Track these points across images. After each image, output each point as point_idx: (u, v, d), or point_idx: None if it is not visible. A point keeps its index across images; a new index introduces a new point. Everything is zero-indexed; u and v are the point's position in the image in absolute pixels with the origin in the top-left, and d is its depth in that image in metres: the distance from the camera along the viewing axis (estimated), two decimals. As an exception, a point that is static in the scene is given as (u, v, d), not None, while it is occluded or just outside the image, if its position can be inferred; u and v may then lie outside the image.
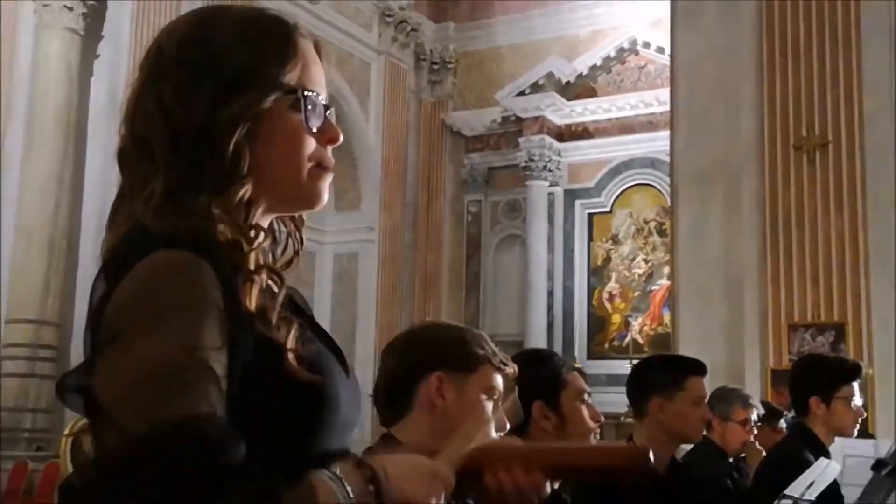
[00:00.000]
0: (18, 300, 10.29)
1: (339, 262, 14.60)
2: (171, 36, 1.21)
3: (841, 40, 7.65)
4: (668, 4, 9.01)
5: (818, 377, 3.52)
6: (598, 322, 15.13)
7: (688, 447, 4.50)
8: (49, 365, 10.09)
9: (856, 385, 3.49)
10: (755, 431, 4.55)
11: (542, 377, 2.51)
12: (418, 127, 15.66)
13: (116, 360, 1.01)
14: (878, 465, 1.00)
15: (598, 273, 15.24)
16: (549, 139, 15.19)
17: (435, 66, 15.90)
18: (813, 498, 2.57)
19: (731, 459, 4.43)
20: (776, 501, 2.47)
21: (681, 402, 2.85)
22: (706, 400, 3.18)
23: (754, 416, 4.54)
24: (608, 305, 15.12)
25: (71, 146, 10.59)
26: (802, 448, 3.24)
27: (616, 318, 15.05)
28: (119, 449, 0.98)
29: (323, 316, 14.01)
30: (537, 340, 14.31)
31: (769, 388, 7.27)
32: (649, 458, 1.30)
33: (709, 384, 4.87)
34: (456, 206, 16.08)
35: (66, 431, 8.19)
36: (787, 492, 2.48)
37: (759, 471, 3.71)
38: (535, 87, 15.15)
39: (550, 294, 15.18)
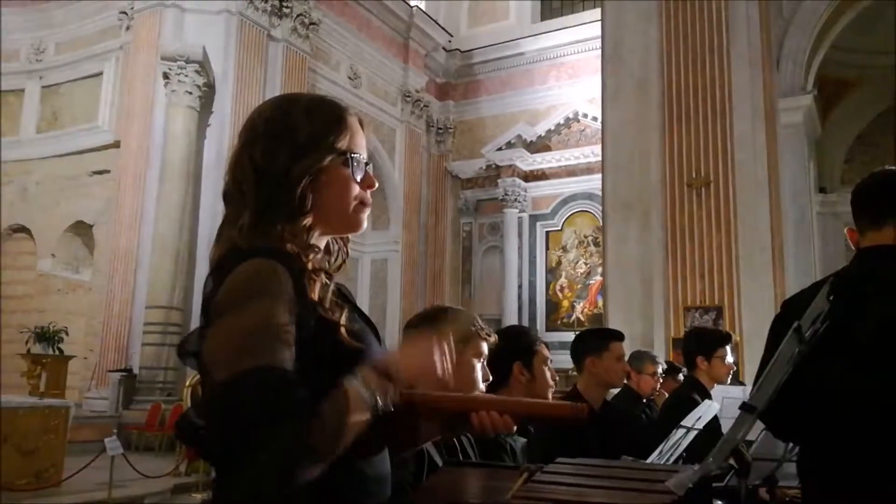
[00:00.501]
0: (155, 292, 10.30)
1: (375, 265, 14.57)
2: (260, 115, 1.23)
3: (718, 109, 7.63)
4: (599, 86, 9.01)
5: (701, 342, 3.47)
6: (552, 306, 15.07)
7: (615, 392, 4.52)
8: (176, 337, 10.06)
9: (728, 348, 3.42)
10: (661, 381, 4.54)
11: (522, 346, 2.47)
12: (429, 173, 15.64)
13: (218, 330, 1.03)
14: (744, 406, 0.99)
15: (552, 272, 15.19)
16: (518, 180, 15.15)
17: (440, 131, 15.89)
18: (700, 427, 2.54)
19: (644, 401, 4.42)
20: (674, 430, 2.43)
21: (607, 359, 2.79)
22: (626, 359, 3.13)
23: (660, 370, 4.51)
24: (560, 294, 15.06)
25: (190, 187, 10.60)
26: (692, 393, 3.20)
27: (565, 303, 14.99)
28: (218, 388, 0.99)
29: (363, 302, 13.99)
30: (511, 318, 14.28)
31: (671, 351, 7.20)
32: (584, 411, 1.30)
33: (629, 348, 4.86)
34: (455, 226, 16.04)
35: (188, 383, 8.20)
36: (682, 423, 2.44)
37: (662, 408, 3.67)
38: (509, 145, 15.13)
39: (520, 287, 15.12)
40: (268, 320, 1.02)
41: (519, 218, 15.23)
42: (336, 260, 1.29)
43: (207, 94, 10.96)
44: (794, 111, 7.97)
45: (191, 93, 10.79)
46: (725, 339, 3.53)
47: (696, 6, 7.82)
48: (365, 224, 1.26)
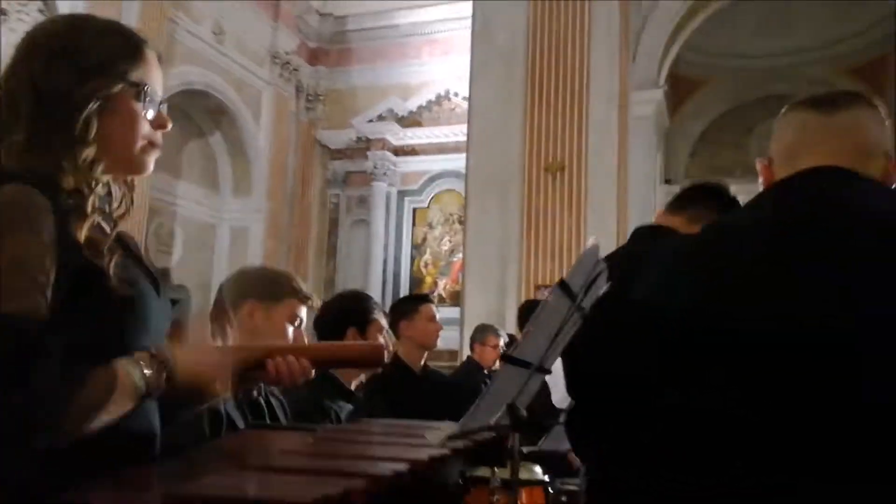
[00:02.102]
0: None
1: (235, 233, 14.05)
2: (44, 29, 1.13)
3: (577, 95, 7.93)
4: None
5: (532, 313, 3.63)
6: (416, 281, 15.18)
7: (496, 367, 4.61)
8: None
9: None
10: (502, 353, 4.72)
11: (357, 312, 2.48)
12: (297, 140, 15.21)
13: None
14: (507, 358, 1.02)
15: (418, 248, 15.30)
16: (388, 154, 15.07)
17: (310, 97, 15.46)
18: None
19: (486, 371, 4.57)
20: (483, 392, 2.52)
21: (419, 321, 2.94)
22: (438, 324, 3.16)
23: (502, 342, 4.68)
24: (424, 270, 15.21)
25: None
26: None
27: (429, 279, 15.15)
28: None
29: (221, 272, 13.47)
30: (375, 292, 14.23)
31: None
32: (381, 350, 1.30)
33: (482, 320, 5.01)
34: (322, 198, 15.74)
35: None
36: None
37: (497, 378, 3.81)
38: (380, 118, 15.01)
39: (385, 261, 15.13)
40: (21, 259, 0.92)
41: (387, 192, 15.19)
42: (120, 207, 1.20)
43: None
44: (645, 104, 8.43)
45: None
46: None
47: (562, -7, 8.07)
48: (151, 167, 1.19)
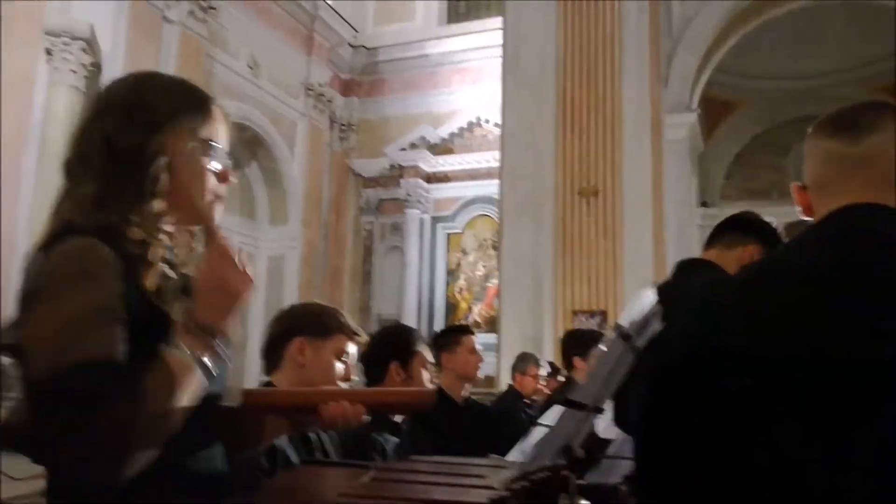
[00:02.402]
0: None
1: (271, 262, 14.22)
2: (116, 86, 1.18)
3: (609, 121, 7.93)
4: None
5: (577, 343, 3.61)
6: (451, 307, 15.18)
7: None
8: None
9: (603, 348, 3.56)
10: (543, 382, 4.68)
11: (400, 345, 2.48)
12: (330, 169, 15.42)
13: (40, 316, 0.96)
14: (566, 402, 1.03)
15: (452, 274, 15.31)
16: (421, 181, 15.18)
17: (343, 127, 15.70)
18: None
19: (526, 400, 4.54)
20: (533, 428, 2.50)
21: (460, 353, 2.90)
22: (512, 361, 3.19)
23: (543, 372, 4.66)
24: (458, 296, 15.20)
25: (72, 172, 9.97)
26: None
27: (464, 305, 15.13)
28: (42, 382, 0.93)
29: (258, 300, 13.62)
30: (410, 319, 14.24)
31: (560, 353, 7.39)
32: (431, 396, 1.31)
33: (518, 351, 4.99)
34: (356, 225, 15.89)
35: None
36: (540, 421, 2.50)
37: (541, 407, 3.79)
38: (412, 146, 15.15)
39: (419, 288, 15.16)
40: (94, 305, 0.96)
41: (421, 219, 15.27)
42: (185, 254, 1.24)
43: (95, 74, 10.36)
44: (679, 127, 8.38)
45: (75, 71, 10.16)
46: (600, 338, 3.65)
47: (591, 21, 8.11)
48: (216, 219, 1.23)
